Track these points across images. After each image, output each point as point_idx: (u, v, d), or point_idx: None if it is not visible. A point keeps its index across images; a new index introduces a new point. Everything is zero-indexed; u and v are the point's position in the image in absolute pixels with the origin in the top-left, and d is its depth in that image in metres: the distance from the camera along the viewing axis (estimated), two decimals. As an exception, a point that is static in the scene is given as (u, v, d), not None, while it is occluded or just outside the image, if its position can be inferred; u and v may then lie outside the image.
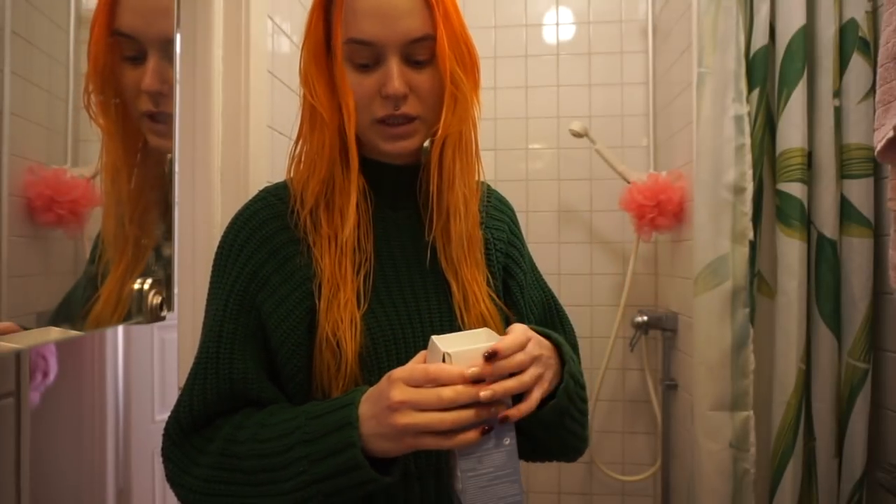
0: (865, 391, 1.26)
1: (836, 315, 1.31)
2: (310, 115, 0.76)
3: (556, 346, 0.73)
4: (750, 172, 1.37)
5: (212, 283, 0.78)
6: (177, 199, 1.26)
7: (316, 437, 0.63)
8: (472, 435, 0.61)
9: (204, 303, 0.78)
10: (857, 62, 1.28)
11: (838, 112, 1.31)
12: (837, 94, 1.31)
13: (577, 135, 2.18)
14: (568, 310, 0.92)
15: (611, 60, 2.39)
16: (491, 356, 0.61)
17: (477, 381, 0.61)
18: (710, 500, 1.39)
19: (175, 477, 0.72)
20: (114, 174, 0.66)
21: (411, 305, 0.77)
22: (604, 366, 2.24)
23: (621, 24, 2.39)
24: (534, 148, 2.44)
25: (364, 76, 0.73)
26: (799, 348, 1.32)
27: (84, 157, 0.64)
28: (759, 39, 1.37)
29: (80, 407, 1.54)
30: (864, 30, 1.27)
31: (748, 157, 1.37)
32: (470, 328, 0.76)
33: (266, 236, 0.75)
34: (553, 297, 0.91)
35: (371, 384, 0.70)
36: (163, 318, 0.67)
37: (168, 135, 0.72)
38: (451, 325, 0.77)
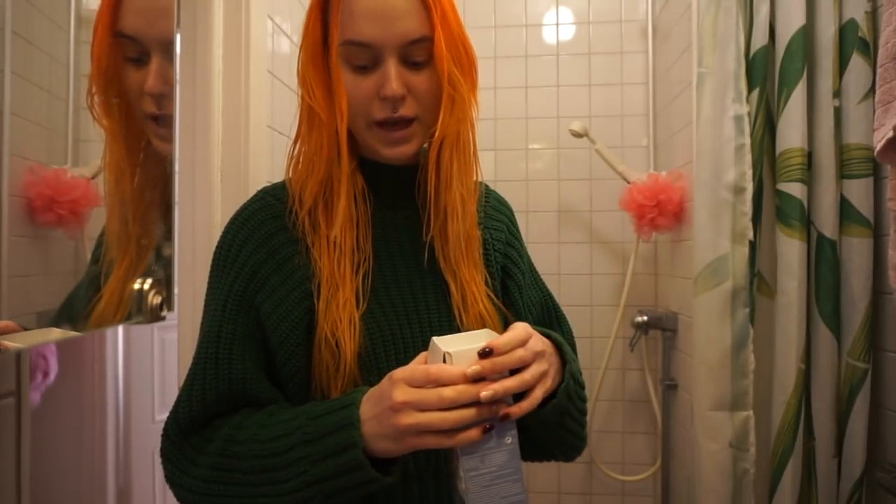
0: (865, 391, 1.26)
1: (836, 315, 1.31)
2: (308, 115, 0.76)
3: (557, 346, 0.73)
4: (750, 172, 1.37)
5: (210, 283, 0.78)
6: (177, 199, 1.27)
7: (317, 438, 0.63)
8: (473, 433, 0.61)
9: (203, 303, 0.78)
10: (856, 62, 1.28)
11: (838, 112, 1.31)
12: (837, 94, 1.31)
13: (577, 135, 2.18)
14: (568, 310, 0.92)
15: (611, 60, 2.39)
16: (487, 353, 0.61)
17: (479, 379, 0.61)
18: (710, 500, 1.39)
19: (174, 477, 0.71)
20: (117, 174, 0.66)
21: (410, 305, 0.77)
22: (604, 366, 2.24)
23: (621, 24, 2.39)
24: (534, 148, 2.44)
25: (362, 78, 0.73)
26: (799, 348, 1.32)
27: (84, 157, 0.64)
28: (759, 39, 1.37)
29: (80, 407, 1.54)
30: (864, 30, 1.27)
31: (748, 157, 1.37)
32: (468, 328, 0.76)
33: (265, 236, 0.75)
34: (551, 297, 0.91)
35: (370, 384, 0.70)
36: (163, 318, 0.67)
37: (170, 136, 0.72)
38: (450, 325, 0.77)
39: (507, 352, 0.62)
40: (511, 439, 0.65)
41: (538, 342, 0.66)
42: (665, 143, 2.24)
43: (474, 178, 0.81)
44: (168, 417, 0.75)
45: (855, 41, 1.28)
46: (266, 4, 1.51)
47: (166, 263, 0.70)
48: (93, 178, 0.65)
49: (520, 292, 0.85)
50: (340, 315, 0.71)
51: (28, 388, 0.88)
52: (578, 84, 2.41)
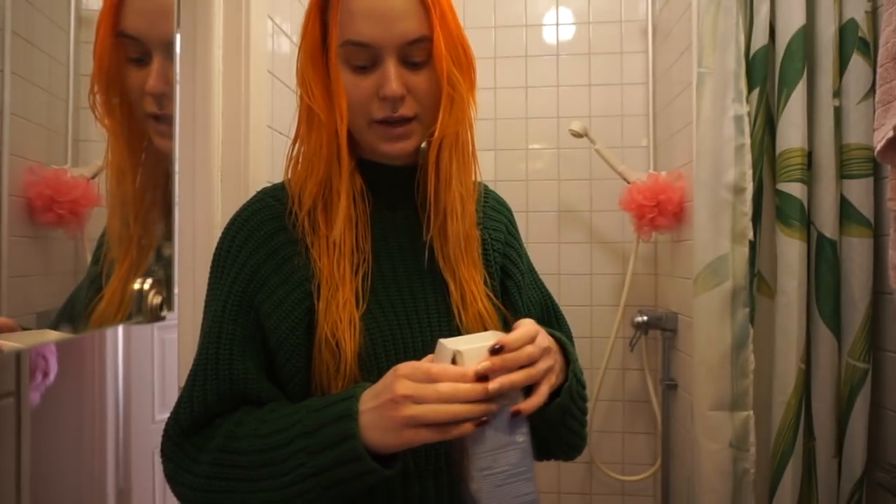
0: (865, 391, 1.26)
1: (836, 315, 1.31)
2: (307, 116, 0.76)
3: (560, 345, 0.74)
4: (750, 172, 1.37)
5: (210, 284, 0.78)
6: (177, 199, 1.27)
7: (315, 430, 0.64)
8: (468, 426, 0.61)
9: (203, 303, 0.78)
10: (856, 62, 1.28)
11: (838, 112, 1.31)
12: (837, 94, 1.31)
13: (577, 135, 2.18)
14: (568, 310, 0.92)
15: (611, 60, 2.39)
16: (497, 350, 0.62)
17: (486, 377, 0.61)
18: (710, 500, 1.39)
19: (175, 475, 0.72)
20: (119, 174, 0.66)
21: (409, 306, 0.77)
22: (604, 366, 2.24)
23: (621, 24, 2.39)
24: (534, 148, 2.44)
25: (361, 78, 0.73)
26: (799, 348, 1.32)
27: (84, 157, 0.64)
28: (759, 39, 1.37)
29: (80, 407, 1.54)
30: (864, 30, 1.27)
31: (748, 157, 1.37)
32: (468, 327, 0.76)
33: (264, 237, 0.75)
34: (550, 297, 0.91)
35: (370, 381, 0.70)
36: (163, 318, 0.67)
37: (170, 133, 0.72)
38: (450, 324, 0.77)
39: (517, 348, 0.63)
40: (523, 437, 0.65)
41: (545, 338, 0.67)
42: (665, 143, 2.24)
43: (473, 178, 0.81)
44: (169, 417, 0.75)
45: (855, 41, 1.28)
46: (266, 4, 1.51)
47: (166, 263, 0.70)
48: (93, 178, 0.65)
49: (519, 292, 0.85)
50: (340, 315, 0.71)
51: (28, 388, 0.88)
52: (578, 84, 2.41)
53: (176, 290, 0.87)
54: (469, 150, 0.79)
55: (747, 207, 1.36)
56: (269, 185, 0.83)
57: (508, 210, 0.91)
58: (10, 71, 0.53)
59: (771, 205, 1.40)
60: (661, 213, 2.03)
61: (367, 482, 0.63)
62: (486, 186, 0.91)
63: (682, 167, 1.99)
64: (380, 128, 0.74)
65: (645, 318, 2.18)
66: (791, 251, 1.33)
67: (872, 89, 1.21)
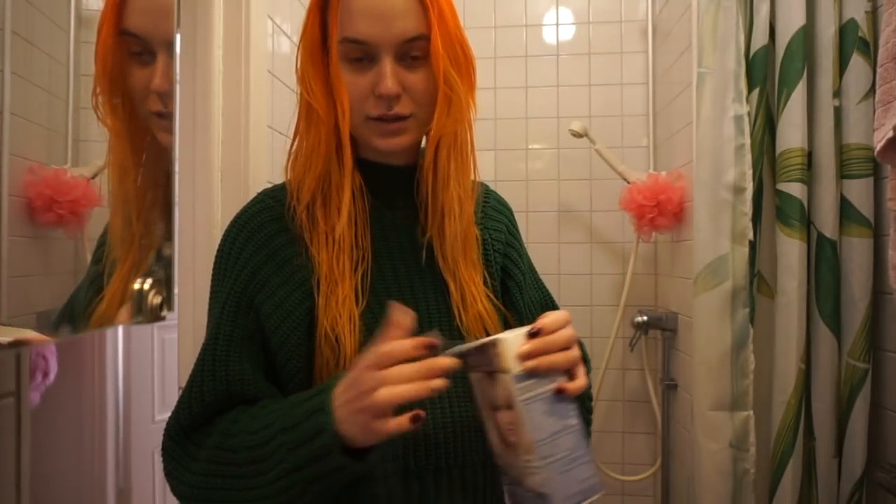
0: (865, 391, 1.26)
1: (836, 315, 1.31)
2: (306, 112, 0.76)
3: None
4: (750, 172, 1.37)
5: (212, 286, 0.78)
6: (177, 199, 1.27)
7: (293, 425, 0.63)
8: (403, 420, 0.60)
9: (204, 303, 0.78)
10: (856, 62, 1.28)
11: (838, 112, 1.31)
12: (837, 94, 1.31)
13: (577, 135, 2.18)
14: (568, 310, 0.91)
15: (611, 60, 2.39)
16: (535, 333, 0.64)
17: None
18: (710, 500, 1.39)
19: (175, 472, 0.72)
20: (121, 174, 0.66)
21: (410, 305, 0.77)
22: (604, 366, 2.24)
23: (621, 24, 2.39)
24: (534, 148, 2.44)
25: (358, 75, 0.73)
26: (799, 348, 1.32)
27: (84, 157, 0.64)
28: (759, 39, 1.37)
29: (80, 407, 1.54)
30: (864, 30, 1.27)
31: (748, 157, 1.37)
32: (468, 328, 0.77)
33: (265, 238, 0.75)
34: (551, 298, 0.91)
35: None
36: (163, 318, 0.67)
37: (172, 129, 0.72)
38: (450, 324, 0.77)
39: (553, 331, 0.65)
40: (575, 420, 0.65)
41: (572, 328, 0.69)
42: (665, 143, 2.24)
43: (472, 179, 0.81)
44: (170, 417, 0.75)
45: (855, 41, 1.29)
46: (266, 4, 1.51)
47: (166, 263, 0.70)
48: (93, 178, 0.65)
49: (520, 292, 0.85)
50: (340, 311, 0.72)
51: (28, 388, 0.88)
52: (578, 84, 2.41)
53: (176, 290, 0.87)
54: (468, 151, 0.79)
55: (747, 207, 1.36)
56: (269, 185, 0.83)
57: (509, 210, 0.91)
58: (10, 71, 0.53)
59: (771, 205, 1.40)
60: (661, 213, 2.03)
61: (345, 477, 0.62)
62: (486, 187, 0.91)
63: (682, 167, 1.99)
64: (374, 124, 0.75)
65: (645, 318, 2.18)
66: (791, 251, 1.33)
67: (872, 89, 1.21)
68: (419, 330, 0.77)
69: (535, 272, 0.92)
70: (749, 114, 1.38)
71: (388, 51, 0.72)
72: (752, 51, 1.38)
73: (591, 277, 2.40)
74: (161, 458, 0.74)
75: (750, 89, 1.38)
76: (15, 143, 0.54)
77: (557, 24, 2.43)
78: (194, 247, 1.35)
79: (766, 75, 1.37)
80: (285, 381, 0.74)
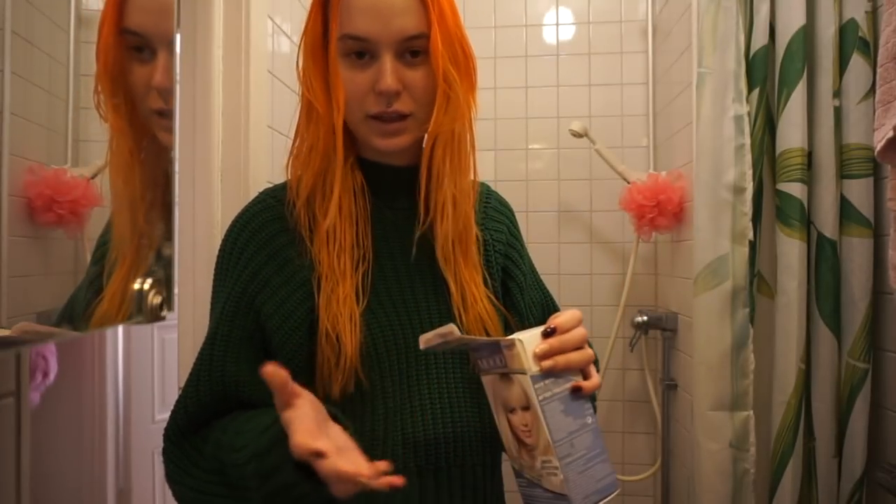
0: (865, 391, 1.26)
1: (836, 315, 1.31)
2: (306, 109, 0.76)
3: None
4: (750, 172, 1.37)
5: (214, 286, 0.78)
6: (177, 199, 1.27)
7: (263, 452, 0.61)
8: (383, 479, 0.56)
9: (203, 303, 0.78)
10: (856, 62, 1.28)
11: (838, 112, 1.31)
12: (837, 94, 1.31)
13: (577, 135, 2.18)
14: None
15: (611, 60, 2.39)
16: (550, 332, 0.64)
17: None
18: (710, 500, 1.39)
19: (176, 476, 0.72)
20: (122, 173, 0.66)
21: (410, 305, 0.77)
22: (604, 366, 2.24)
23: (621, 24, 2.39)
24: (534, 148, 2.44)
25: (358, 72, 0.73)
26: (799, 348, 1.32)
27: (84, 157, 0.64)
28: (759, 39, 1.37)
29: (80, 407, 1.54)
30: (864, 30, 1.27)
31: (748, 157, 1.37)
32: (468, 329, 0.77)
33: (266, 238, 0.75)
34: (552, 299, 0.91)
35: (371, 380, 0.70)
36: (163, 318, 0.66)
37: (171, 128, 0.72)
38: None
39: (568, 330, 0.65)
40: (591, 419, 0.66)
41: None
42: (665, 143, 2.24)
43: (470, 179, 0.81)
44: (168, 419, 0.75)
45: (855, 41, 1.28)
46: (266, 4, 1.51)
47: (166, 263, 0.70)
48: (93, 178, 0.64)
49: (521, 293, 0.85)
50: (340, 310, 0.72)
51: (28, 388, 0.88)
52: (578, 84, 2.41)
53: (176, 290, 0.87)
54: (465, 150, 0.79)
55: (747, 207, 1.36)
56: (269, 185, 0.83)
57: (510, 211, 0.91)
58: (10, 71, 0.53)
59: (771, 205, 1.40)
60: (661, 213, 2.03)
61: (322, 498, 0.59)
62: (488, 187, 0.90)
63: (682, 167, 1.99)
64: (374, 123, 0.75)
65: (645, 318, 2.18)
66: (791, 251, 1.33)
67: (872, 89, 1.21)
68: (420, 330, 0.78)
69: (536, 273, 0.92)
70: (749, 114, 1.38)
71: (388, 48, 0.72)
72: (752, 51, 1.38)
73: (591, 277, 2.40)
74: (162, 461, 0.74)
75: (750, 89, 1.38)
76: (15, 143, 0.54)
77: (557, 24, 2.43)
78: (194, 247, 1.35)
79: (766, 75, 1.37)
80: (286, 381, 0.74)
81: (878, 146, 0.97)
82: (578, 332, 0.67)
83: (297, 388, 0.59)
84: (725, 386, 1.38)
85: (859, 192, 1.28)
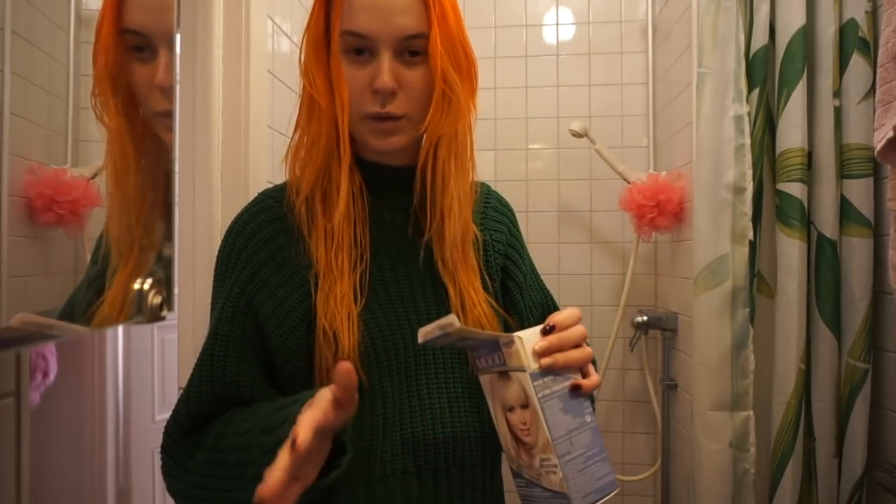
0: (865, 391, 1.26)
1: (836, 315, 1.31)
2: (308, 105, 0.76)
3: None
4: (750, 172, 1.37)
5: (214, 287, 0.78)
6: (177, 199, 1.27)
7: (271, 429, 0.62)
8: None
9: (203, 303, 0.78)
10: (856, 62, 1.28)
11: (838, 112, 1.31)
12: (837, 94, 1.31)
13: (577, 135, 2.18)
14: (568, 310, 0.92)
15: (611, 60, 2.39)
16: (549, 329, 0.64)
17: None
18: (710, 500, 1.39)
19: (173, 471, 0.72)
20: (121, 174, 0.66)
21: (409, 306, 0.77)
22: (604, 366, 2.24)
23: (621, 24, 2.39)
24: (534, 148, 2.44)
25: (357, 69, 0.73)
26: (799, 348, 1.32)
27: (84, 157, 0.64)
28: (759, 39, 1.37)
29: (80, 407, 1.54)
30: (864, 30, 1.27)
31: (748, 157, 1.37)
32: None
33: (265, 239, 0.75)
34: (552, 299, 0.91)
35: (369, 380, 0.70)
36: (163, 318, 0.67)
37: (172, 127, 0.72)
38: None
39: (567, 327, 0.65)
40: (591, 418, 0.66)
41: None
42: (665, 143, 2.24)
43: (470, 180, 0.81)
44: (169, 417, 0.75)
45: (855, 41, 1.28)
46: (266, 4, 1.51)
47: (166, 263, 0.70)
48: (93, 178, 0.64)
49: (521, 293, 0.85)
50: (338, 308, 0.72)
51: (28, 388, 0.88)
52: (578, 84, 2.41)
53: (176, 290, 0.87)
54: (468, 153, 0.79)
55: (747, 207, 1.36)
56: (269, 185, 0.83)
57: (511, 211, 0.91)
58: (10, 71, 0.53)
59: (771, 205, 1.40)
60: (661, 213, 2.03)
61: (318, 486, 0.60)
62: (488, 187, 0.90)
63: (682, 167, 1.99)
64: (370, 122, 0.75)
65: (645, 318, 2.18)
66: (791, 251, 1.33)
67: (872, 89, 1.21)
68: (418, 330, 0.77)
69: (537, 273, 0.92)
70: (749, 114, 1.38)
71: (387, 46, 0.72)
72: (752, 51, 1.38)
73: (591, 277, 2.40)
74: (160, 458, 0.74)
75: (750, 89, 1.38)
76: (15, 143, 0.54)
77: (557, 24, 2.43)
78: (194, 247, 1.35)
79: (766, 75, 1.37)
80: (285, 382, 0.74)
81: (878, 146, 0.97)
82: (578, 330, 0.66)
83: (355, 400, 0.60)
84: (725, 386, 1.38)
85: (859, 192, 1.28)
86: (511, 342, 0.63)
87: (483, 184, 0.89)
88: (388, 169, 0.80)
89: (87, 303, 0.62)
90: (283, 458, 0.54)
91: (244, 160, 1.42)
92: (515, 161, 2.43)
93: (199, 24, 1.35)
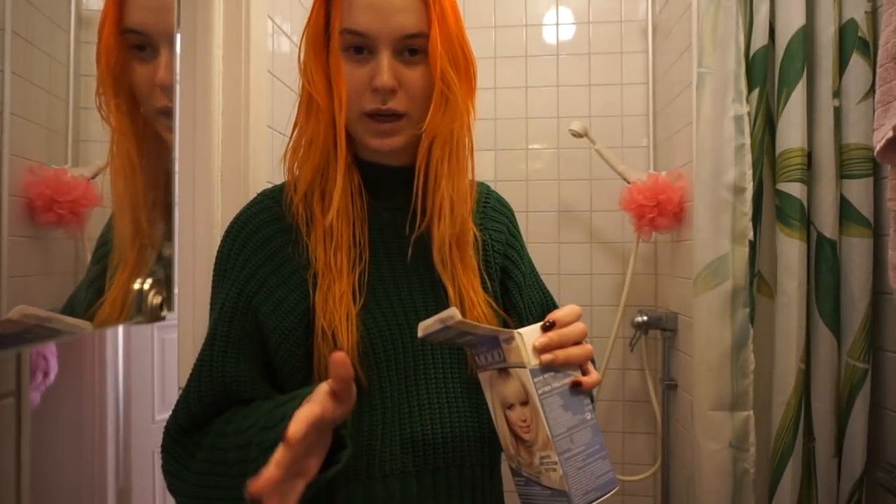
0: (865, 391, 1.26)
1: (836, 315, 1.31)
2: (307, 103, 0.76)
3: None
4: (750, 172, 1.37)
5: (213, 287, 0.78)
6: (177, 199, 1.27)
7: (271, 426, 0.62)
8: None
9: (204, 303, 0.78)
10: (856, 62, 1.28)
11: (838, 112, 1.31)
12: (837, 94, 1.31)
13: (577, 135, 2.18)
14: (568, 310, 0.92)
15: (611, 60, 2.39)
16: (549, 326, 0.64)
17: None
18: (710, 500, 1.39)
19: (174, 470, 0.72)
20: (125, 174, 0.66)
21: (408, 306, 0.77)
22: (604, 366, 2.24)
23: (621, 24, 2.39)
24: (534, 148, 2.44)
25: (356, 67, 0.74)
26: (799, 348, 1.32)
27: (84, 157, 0.64)
28: (759, 39, 1.37)
29: (80, 407, 1.54)
30: (864, 30, 1.27)
31: (748, 157, 1.37)
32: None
33: (264, 239, 0.76)
34: (551, 299, 0.91)
35: (368, 380, 0.70)
36: (163, 318, 0.67)
37: (172, 127, 0.72)
38: None
39: (567, 324, 0.65)
40: (591, 415, 0.65)
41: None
42: (665, 143, 2.24)
43: (468, 180, 0.81)
44: (169, 417, 0.75)
45: (855, 41, 1.29)
46: (266, 4, 1.51)
47: (166, 263, 0.70)
48: (93, 178, 0.65)
49: (520, 293, 0.85)
50: (337, 308, 0.72)
51: (28, 388, 0.88)
52: (578, 84, 2.41)
53: (176, 290, 0.87)
54: (464, 153, 0.79)
55: (747, 207, 1.36)
56: (269, 185, 0.83)
57: (510, 211, 0.91)
58: (10, 71, 0.53)
59: (771, 205, 1.40)
60: (661, 213, 2.03)
61: (317, 482, 0.60)
62: (488, 187, 0.90)
63: (682, 167, 1.99)
64: (368, 121, 0.75)
65: (645, 318, 2.18)
66: (791, 251, 1.33)
67: (872, 89, 1.21)
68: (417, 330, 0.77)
69: (536, 273, 0.92)
70: (749, 114, 1.38)
71: (387, 45, 0.72)
72: (752, 51, 1.38)
73: (591, 277, 2.40)
74: (161, 457, 0.74)
75: (750, 89, 1.38)
76: (15, 143, 0.54)
77: (557, 24, 2.43)
78: (194, 247, 1.35)
79: (766, 75, 1.37)
80: (284, 381, 0.74)
81: (878, 146, 0.97)
82: (578, 327, 0.66)
83: (353, 393, 0.61)
84: (725, 386, 1.38)
85: (859, 192, 1.28)
86: (511, 338, 0.63)
87: (482, 184, 0.89)
88: (386, 169, 0.80)
89: (88, 303, 0.62)
90: (277, 454, 0.54)
91: (244, 160, 1.42)
92: (515, 161, 2.43)
93: (199, 23, 1.35)
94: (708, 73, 1.40)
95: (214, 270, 0.78)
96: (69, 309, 0.61)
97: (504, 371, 0.65)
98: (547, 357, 0.63)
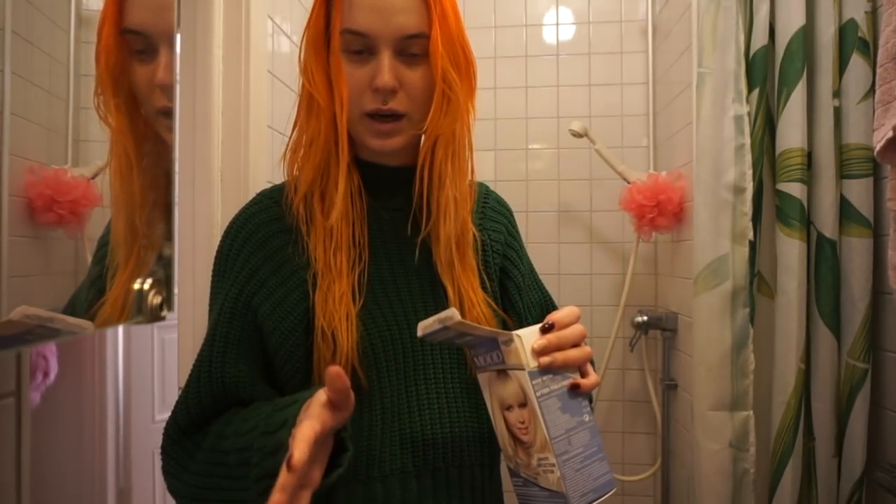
0: (865, 391, 1.26)
1: (836, 315, 1.31)
2: (307, 102, 0.76)
3: None
4: (750, 172, 1.37)
5: (212, 287, 0.78)
6: (177, 200, 1.27)
7: (271, 431, 0.62)
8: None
9: (204, 303, 0.78)
10: (856, 62, 1.28)
11: (838, 112, 1.31)
12: (837, 94, 1.31)
13: (577, 135, 2.18)
14: (568, 310, 0.92)
15: (611, 60, 2.39)
16: (548, 328, 0.64)
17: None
18: (710, 500, 1.39)
19: (173, 471, 0.72)
20: (125, 174, 0.66)
21: (408, 306, 0.77)
22: (604, 366, 2.24)
23: (621, 24, 2.39)
24: (534, 148, 2.44)
25: (357, 67, 0.74)
26: (799, 348, 1.32)
27: (84, 157, 0.64)
28: (759, 39, 1.37)
29: (80, 407, 1.54)
30: (864, 30, 1.27)
31: (748, 157, 1.37)
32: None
33: (263, 239, 0.76)
34: (551, 299, 0.91)
35: (368, 380, 0.70)
36: (162, 318, 0.67)
37: (172, 127, 0.72)
38: None
39: (566, 325, 0.65)
40: (589, 417, 0.65)
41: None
42: (665, 143, 2.24)
43: (469, 180, 0.81)
44: (168, 418, 0.75)
45: (855, 41, 1.29)
46: (266, 4, 1.51)
47: (166, 264, 0.70)
48: (93, 178, 0.64)
49: (519, 293, 0.85)
50: (337, 308, 0.72)
51: (28, 388, 0.88)
52: (578, 84, 2.41)
53: (176, 290, 0.87)
54: (465, 153, 0.79)
55: (747, 207, 1.37)
56: (269, 185, 0.83)
57: (509, 211, 0.91)
58: (10, 71, 0.53)
59: (771, 205, 1.40)
60: (661, 213, 2.03)
61: (323, 486, 0.60)
62: (487, 187, 0.90)
63: (682, 167, 1.99)
64: (369, 122, 0.75)
65: (645, 318, 2.18)
66: (791, 251, 1.33)
67: (872, 89, 1.21)
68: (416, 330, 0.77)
69: (535, 273, 0.92)
70: (749, 114, 1.38)
71: (387, 45, 0.72)
72: (752, 51, 1.38)
73: (591, 277, 2.40)
74: (160, 458, 0.74)
75: (750, 89, 1.38)
76: (15, 143, 0.54)
77: (557, 24, 2.43)
78: (194, 247, 1.35)
79: (765, 75, 1.37)
80: (284, 382, 0.74)
81: (878, 146, 0.97)
82: (577, 329, 0.66)
83: (351, 400, 0.60)
84: (725, 386, 1.38)
85: (859, 192, 1.28)
86: (510, 340, 0.63)
87: (481, 184, 0.89)
88: (386, 169, 0.80)
89: (90, 303, 0.62)
90: (283, 478, 0.54)
91: (244, 160, 1.42)
92: (515, 161, 2.44)
93: (199, 23, 1.35)
94: (708, 73, 1.40)
95: (214, 270, 0.78)
96: (70, 309, 0.61)
97: (503, 372, 0.65)
98: (545, 360, 0.63)
